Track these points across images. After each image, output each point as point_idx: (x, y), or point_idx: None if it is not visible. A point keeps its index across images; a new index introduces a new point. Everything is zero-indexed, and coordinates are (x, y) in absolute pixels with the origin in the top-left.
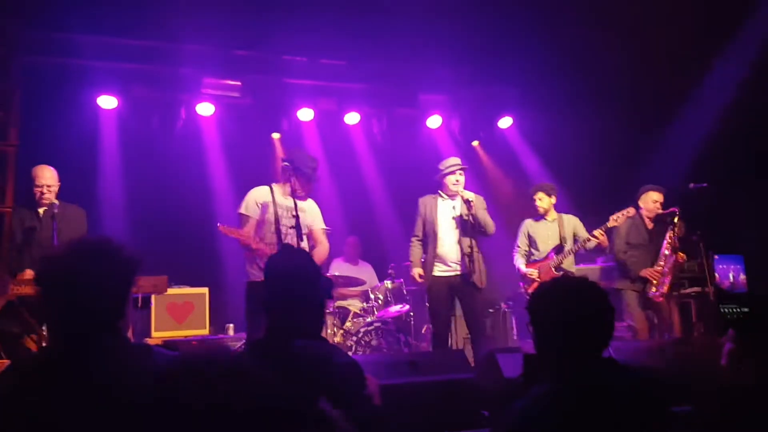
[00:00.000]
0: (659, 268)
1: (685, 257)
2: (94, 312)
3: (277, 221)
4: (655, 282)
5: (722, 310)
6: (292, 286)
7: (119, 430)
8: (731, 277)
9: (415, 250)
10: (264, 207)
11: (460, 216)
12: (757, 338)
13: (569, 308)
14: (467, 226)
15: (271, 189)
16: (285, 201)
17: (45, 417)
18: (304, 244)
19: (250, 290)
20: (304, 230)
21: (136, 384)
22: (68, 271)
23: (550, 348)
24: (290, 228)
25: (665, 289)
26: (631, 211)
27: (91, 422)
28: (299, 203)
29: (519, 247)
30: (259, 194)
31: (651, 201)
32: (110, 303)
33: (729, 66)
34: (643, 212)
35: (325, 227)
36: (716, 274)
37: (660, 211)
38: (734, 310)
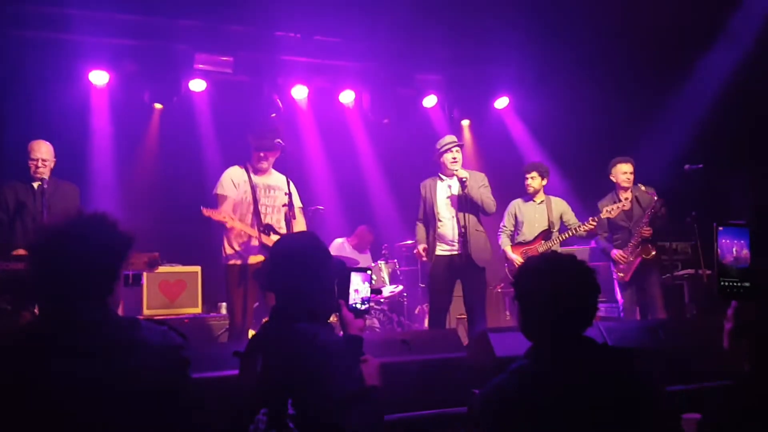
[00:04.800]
0: (626, 254)
1: (653, 254)
2: (83, 286)
3: (255, 201)
4: (621, 265)
5: (722, 283)
6: (297, 269)
7: (106, 403)
8: (734, 252)
9: (420, 230)
10: (240, 186)
11: (457, 194)
12: (754, 312)
13: (553, 284)
14: (463, 205)
15: (246, 168)
16: (261, 179)
17: (30, 389)
18: (283, 222)
19: (228, 272)
20: (283, 208)
21: (123, 357)
22: (61, 242)
23: (532, 323)
24: (269, 207)
25: (628, 276)
26: (627, 204)
27: (78, 395)
28: (277, 182)
29: (505, 227)
30: (235, 173)
31: (621, 173)
32: (101, 278)
33: (727, 44)
34: (618, 187)
35: (301, 205)
36: (718, 250)
37: (628, 184)
38: (734, 284)
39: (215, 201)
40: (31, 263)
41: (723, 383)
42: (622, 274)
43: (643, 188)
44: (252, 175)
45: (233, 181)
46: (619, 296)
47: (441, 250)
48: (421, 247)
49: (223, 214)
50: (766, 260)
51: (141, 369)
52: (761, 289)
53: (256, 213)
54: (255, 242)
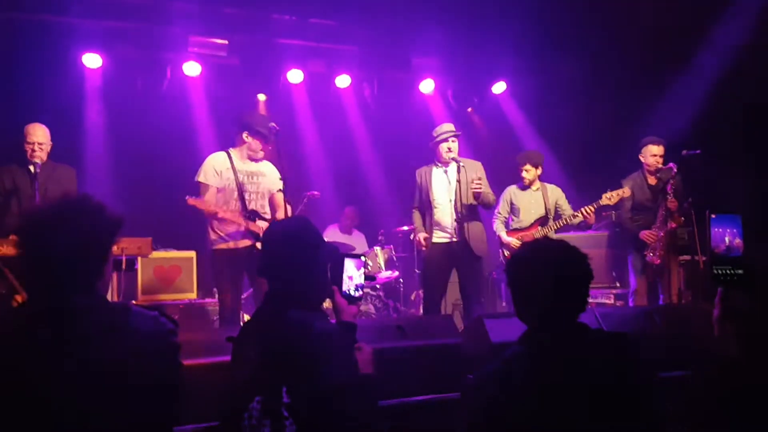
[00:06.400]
0: (655, 231)
1: (682, 220)
2: (72, 270)
3: (239, 187)
4: (651, 245)
5: (715, 272)
6: (290, 254)
7: (97, 389)
8: (727, 241)
9: (417, 216)
10: (223, 174)
11: (455, 182)
12: (741, 298)
13: (544, 271)
14: (460, 192)
15: (229, 154)
16: (245, 166)
17: (18, 374)
18: (267, 208)
19: (214, 258)
20: (266, 195)
21: (113, 343)
22: (46, 227)
23: (526, 310)
24: (252, 193)
25: (660, 252)
26: (627, 191)
27: (67, 381)
28: (260, 167)
29: (499, 213)
30: (217, 161)
31: (650, 155)
32: (88, 262)
33: (728, 29)
34: (645, 168)
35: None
36: (711, 238)
37: (660, 165)
38: (728, 271)
39: (197, 188)
40: (18, 249)
41: (712, 368)
42: (652, 254)
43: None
44: (235, 162)
45: (215, 169)
46: (632, 281)
47: (437, 237)
48: (421, 236)
49: (208, 203)
50: (760, 248)
51: (131, 354)
52: (754, 277)
53: (241, 199)
54: (242, 228)
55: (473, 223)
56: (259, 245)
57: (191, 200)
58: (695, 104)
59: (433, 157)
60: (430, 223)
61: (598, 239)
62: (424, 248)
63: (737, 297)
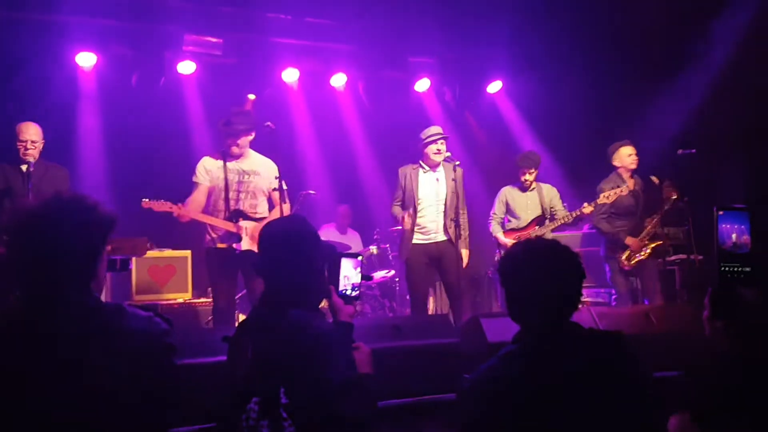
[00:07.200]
0: (641, 243)
1: (659, 245)
2: (65, 269)
3: (226, 188)
4: (632, 252)
5: (722, 269)
6: (287, 253)
7: (89, 390)
8: (734, 238)
9: (397, 207)
10: (213, 173)
11: (445, 185)
12: (730, 296)
13: (535, 270)
14: (450, 194)
15: (223, 154)
16: (238, 164)
17: (9, 374)
18: (263, 207)
19: (208, 257)
20: (259, 194)
21: (107, 344)
22: (39, 224)
23: (519, 309)
24: (242, 192)
25: (633, 262)
26: (624, 190)
27: (60, 382)
28: (254, 166)
29: (495, 214)
30: (208, 161)
31: (626, 156)
32: (82, 261)
33: (725, 28)
34: (621, 171)
35: (285, 187)
36: (718, 235)
37: (635, 165)
38: (735, 269)
39: (192, 188)
40: (8, 246)
41: (707, 367)
42: (627, 262)
43: (654, 179)
44: (226, 161)
45: (206, 168)
46: (612, 283)
47: (419, 238)
48: (406, 213)
49: (168, 204)
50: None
51: (125, 355)
52: (762, 275)
53: (226, 199)
54: (232, 228)
55: (462, 221)
56: (237, 246)
57: (146, 203)
58: (692, 101)
59: (419, 159)
60: (412, 224)
61: (592, 238)
62: (408, 226)
63: (746, 295)
